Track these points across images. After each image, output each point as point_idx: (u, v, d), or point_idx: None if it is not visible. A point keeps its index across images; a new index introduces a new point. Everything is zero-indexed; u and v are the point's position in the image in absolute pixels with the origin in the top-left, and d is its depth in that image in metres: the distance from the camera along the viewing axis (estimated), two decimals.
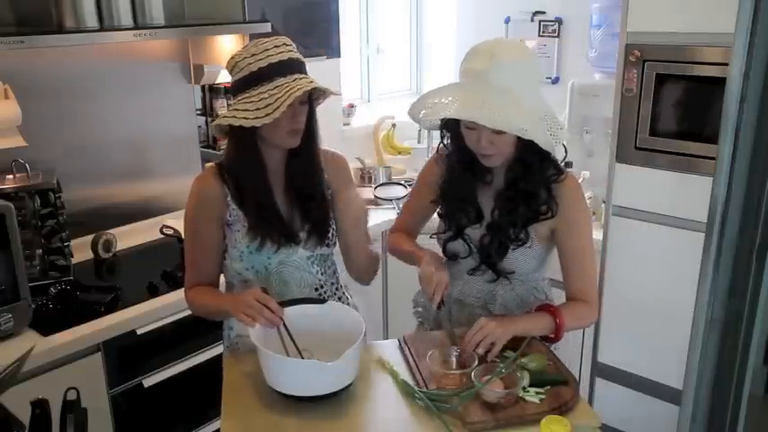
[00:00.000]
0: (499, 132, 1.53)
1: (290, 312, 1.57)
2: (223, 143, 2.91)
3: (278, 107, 1.49)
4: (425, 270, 1.63)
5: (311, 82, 1.55)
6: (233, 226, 1.67)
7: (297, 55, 1.59)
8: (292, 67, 1.56)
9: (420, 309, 1.89)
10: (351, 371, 1.49)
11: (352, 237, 1.74)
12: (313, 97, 1.66)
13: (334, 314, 1.62)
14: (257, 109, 1.52)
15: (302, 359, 1.51)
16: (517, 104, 1.50)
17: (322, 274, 1.76)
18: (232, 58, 1.59)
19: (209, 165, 1.87)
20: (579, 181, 2.28)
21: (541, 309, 1.66)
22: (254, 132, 1.58)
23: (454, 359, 1.57)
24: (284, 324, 1.54)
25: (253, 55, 1.55)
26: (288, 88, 1.51)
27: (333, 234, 1.75)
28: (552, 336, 1.64)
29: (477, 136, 1.56)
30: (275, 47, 1.56)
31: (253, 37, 2.64)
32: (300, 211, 1.70)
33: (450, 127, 1.66)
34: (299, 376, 1.45)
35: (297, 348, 1.54)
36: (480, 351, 1.53)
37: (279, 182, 1.69)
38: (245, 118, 1.53)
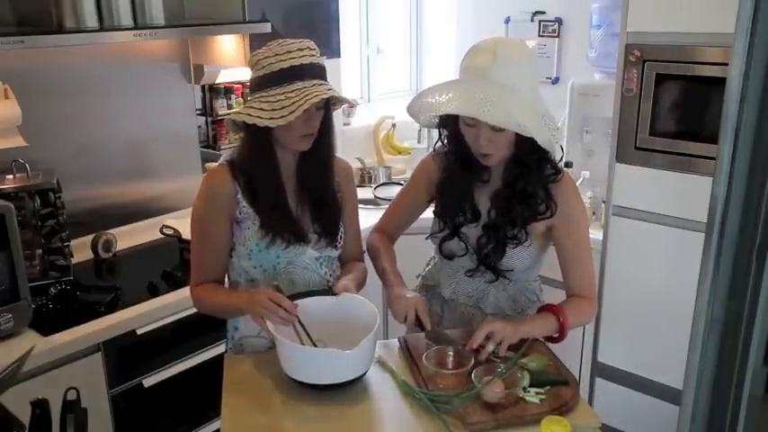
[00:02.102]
0: (498, 130, 1.52)
1: (304, 304, 1.58)
2: (223, 143, 2.96)
3: (293, 111, 1.50)
4: (397, 293, 1.67)
5: (329, 89, 1.55)
6: (242, 224, 1.67)
7: (319, 61, 1.59)
8: (312, 73, 1.56)
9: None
10: (368, 359, 1.53)
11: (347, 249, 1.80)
12: (330, 103, 1.67)
13: (348, 305, 1.63)
14: (272, 110, 1.53)
15: (321, 348, 1.53)
16: (518, 102, 1.50)
17: (330, 275, 1.77)
18: (255, 54, 1.59)
19: (212, 162, 1.87)
20: (579, 181, 2.28)
21: (544, 309, 1.67)
22: (269, 132, 1.59)
23: (450, 359, 1.57)
24: (298, 318, 1.55)
25: (276, 55, 1.55)
26: (305, 93, 1.51)
27: (341, 236, 1.76)
28: (556, 335, 1.64)
29: (476, 133, 1.56)
30: (299, 50, 1.56)
31: (253, 37, 2.67)
32: (311, 211, 1.71)
33: (449, 124, 1.66)
34: (318, 365, 1.48)
35: (311, 339, 1.55)
36: (490, 348, 1.52)
37: (291, 181, 1.70)
38: (259, 117, 1.54)
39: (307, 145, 1.63)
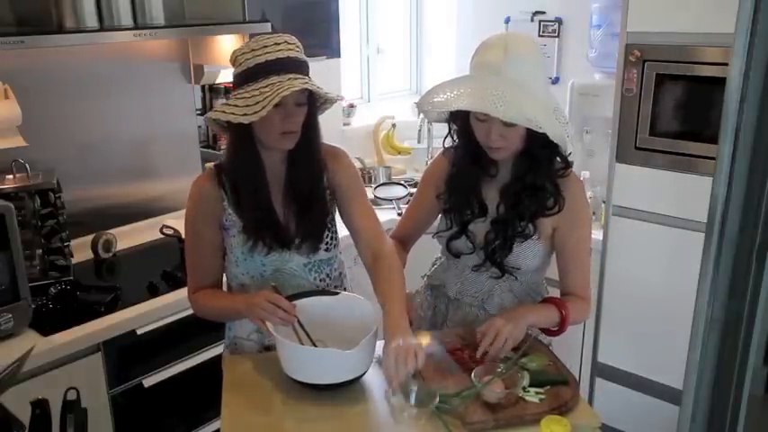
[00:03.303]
0: (510, 125, 1.52)
1: (303, 303, 1.58)
2: (223, 143, 2.95)
3: (265, 106, 1.46)
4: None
5: (305, 83, 1.51)
6: (229, 231, 1.66)
7: (296, 54, 1.55)
8: (288, 66, 1.52)
9: (412, 313, 1.89)
10: (368, 359, 1.52)
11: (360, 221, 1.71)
12: (318, 102, 1.64)
13: (347, 305, 1.63)
14: (246, 106, 1.49)
15: (321, 348, 1.53)
16: (530, 97, 1.50)
17: (320, 280, 1.74)
18: (234, 52, 1.57)
19: (212, 162, 1.85)
20: None
21: (547, 301, 1.67)
22: (251, 131, 1.56)
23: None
24: (302, 326, 1.55)
25: (251, 50, 1.53)
26: (278, 87, 1.47)
27: (332, 238, 1.73)
28: (555, 329, 1.64)
29: (488, 129, 1.55)
30: (275, 44, 1.53)
31: (253, 37, 2.66)
32: (297, 213, 1.67)
33: (459, 119, 1.65)
34: (318, 365, 1.48)
35: (310, 339, 1.55)
36: (493, 353, 1.52)
37: (277, 185, 1.66)
38: (232, 114, 1.50)
39: (288, 143, 1.59)
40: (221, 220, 1.65)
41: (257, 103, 1.48)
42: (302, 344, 1.54)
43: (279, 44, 1.53)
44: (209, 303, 1.69)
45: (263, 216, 1.63)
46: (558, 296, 1.73)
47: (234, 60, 1.57)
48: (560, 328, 1.65)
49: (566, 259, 1.71)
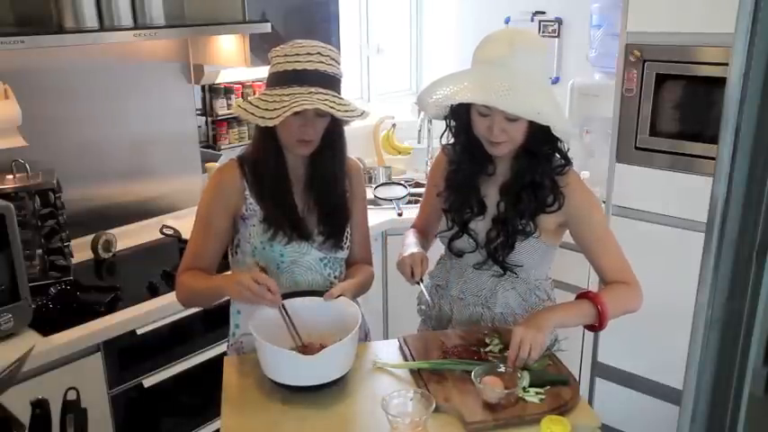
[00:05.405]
0: (513, 120, 1.51)
1: (293, 304, 1.59)
2: (223, 143, 2.96)
3: (280, 114, 1.50)
4: (401, 258, 1.71)
5: (325, 100, 1.52)
6: (248, 220, 1.68)
7: (326, 68, 1.56)
8: (314, 80, 1.54)
9: (423, 306, 1.89)
10: (332, 367, 1.49)
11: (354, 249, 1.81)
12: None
13: (332, 306, 1.62)
14: (265, 109, 1.53)
15: (284, 349, 1.51)
16: (538, 90, 1.50)
17: (334, 277, 1.77)
18: (272, 50, 1.60)
19: (212, 162, 1.85)
20: None
21: (581, 296, 1.63)
22: (274, 130, 1.59)
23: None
24: (286, 311, 1.56)
25: (285, 55, 1.56)
26: (294, 100, 1.50)
27: (347, 238, 1.76)
28: (596, 324, 1.60)
29: (490, 123, 1.54)
30: (308, 54, 1.55)
31: (253, 37, 2.67)
32: (318, 212, 1.70)
33: (460, 114, 1.63)
34: (282, 365, 1.48)
35: (297, 334, 1.56)
36: (530, 362, 1.49)
37: (299, 180, 1.70)
38: (252, 114, 1.55)
39: (304, 150, 1.63)
40: (241, 210, 1.67)
41: (275, 109, 1.52)
42: (296, 336, 1.55)
43: (311, 54, 1.55)
44: (190, 283, 1.67)
45: (282, 207, 1.66)
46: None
47: (270, 59, 1.60)
48: (600, 323, 1.59)
49: (591, 251, 1.68)
